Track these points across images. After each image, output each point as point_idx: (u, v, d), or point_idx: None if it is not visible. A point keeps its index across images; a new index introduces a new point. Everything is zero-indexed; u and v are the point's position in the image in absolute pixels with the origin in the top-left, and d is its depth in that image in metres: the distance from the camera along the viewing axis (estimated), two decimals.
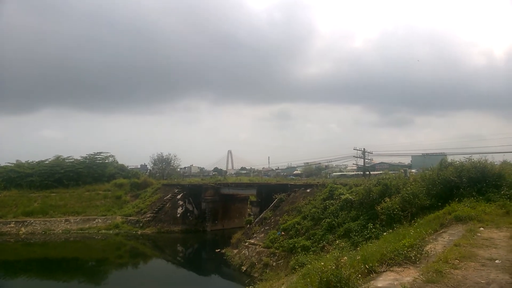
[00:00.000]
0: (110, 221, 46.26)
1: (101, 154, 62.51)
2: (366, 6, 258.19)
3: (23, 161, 60.46)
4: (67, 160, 59.14)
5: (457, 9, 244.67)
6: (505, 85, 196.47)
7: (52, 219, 46.00)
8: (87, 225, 45.63)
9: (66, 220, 45.98)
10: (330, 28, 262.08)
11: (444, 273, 6.41)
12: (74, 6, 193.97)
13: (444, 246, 8.69)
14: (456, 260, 7.25)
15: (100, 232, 44.27)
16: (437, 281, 6.00)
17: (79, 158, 60.02)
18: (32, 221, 45.30)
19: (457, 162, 19.05)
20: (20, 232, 43.56)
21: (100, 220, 46.54)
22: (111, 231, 44.29)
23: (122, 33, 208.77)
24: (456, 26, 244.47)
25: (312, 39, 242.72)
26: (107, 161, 62.37)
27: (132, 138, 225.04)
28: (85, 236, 43.05)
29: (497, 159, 22.87)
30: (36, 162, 59.33)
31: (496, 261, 7.23)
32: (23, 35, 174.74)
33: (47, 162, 58.46)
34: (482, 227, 10.72)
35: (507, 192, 15.05)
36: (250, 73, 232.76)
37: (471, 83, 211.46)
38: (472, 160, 18.18)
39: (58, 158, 59.70)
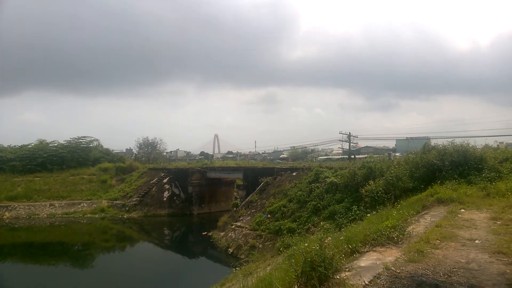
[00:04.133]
0: (95, 205, 46.01)
1: (85, 138, 61.76)
2: None
3: (5, 145, 59.43)
4: (50, 145, 58.16)
5: None
6: (488, 71, 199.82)
7: (36, 203, 45.49)
8: (72, 209, 45.24)
9: (50, 205, 45.52)
10: (315, 12, 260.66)
11: (426, 253, 6.54)
12: None
13: (426, 227, 8.85)
14: (437, 241, 7.40)
15: (85, 216, 43.96)
16: (418, 261, 6.12)
17: (63, 142, 59.18)
18: (16, 205, 44.71)
19: (440, 146, 19.35)
20: (4, 216, 42.92)
21: (85, 204, 46.21)
22: (96, 215, 44.03)
23: (106, 15, 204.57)
24: (441, 13, 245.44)
25: (297, 22, 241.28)
26: (91, 145, 61.64)
27: (117, 122, 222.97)
28: (70, 220, 42.72)
29: (479, 143, 23.35)
30: (19, 146, 58.28)
31: (476, 241, 7.40)
32: (3, 15, 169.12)
33: (30, 146, 57.41)
34: (463, 209, 10.94)
35: (488, 175, 15.38)
36: (236, 57, 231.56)
37: (455, 68, 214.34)
38: (455, 144, 18.53)
39: (41, 142, 58.66)
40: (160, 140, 77.74)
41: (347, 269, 5.81)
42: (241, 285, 8.04)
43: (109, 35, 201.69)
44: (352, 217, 18.49)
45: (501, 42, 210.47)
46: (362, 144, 78.22)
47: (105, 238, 37.67)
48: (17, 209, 44.43)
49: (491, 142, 29.44)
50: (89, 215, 44.24)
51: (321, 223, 20.37)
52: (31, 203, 45.46)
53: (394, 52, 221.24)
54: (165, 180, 48.30)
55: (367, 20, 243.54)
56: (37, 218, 43.24)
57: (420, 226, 9.13)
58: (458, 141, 19.07)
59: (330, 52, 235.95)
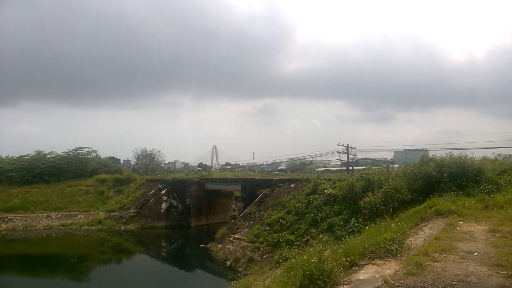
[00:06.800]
0: (92, 217, 45.72)
1: (83, 149, 61.72)
2: (348, 4, 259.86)
3: (3, 156, 59.33)
4: (48, 156, 57.99)
5: (437, 9, 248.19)
6: (484, 83, 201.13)
7: (33, 215, 45.16)
8: (69, 221, 44.96)
9: (47, 216, 45.22)
10: (312, 24, 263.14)
11: (424, 265, 6.51)
12: None
13: (425, 240, 8.83)
14: (436, 253, 7.37)
15: (82, 228, 43.67)
16: (417, 274, 6.09)
17: (60, 153, 59.06)
18: (12, 217, 44.41)
19: (438, 158, 19.35)
20: (0, 228, 42.59)
21: (82, 216, 45.93)
22: (93, 227, 43.76)
23: (102, 26, 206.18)
24: (436, 25, 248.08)
25: (294, 34, 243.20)
26: (89, 156, 61.54)
27: (115, 133, 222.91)
28: (67, 232, 42.42)
29: (477, 155, 23.40)
30: (16, 157, 58.10)
31: (475, 254, 7.38)
32: None
33: (27, 157, 57.22)
34: (462, 221, 10.92)
35: (486, 187, 15.41)
36: (233, 68, 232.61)
37: (451, 80, 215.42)
38: (453, 156, 18.54)
39: (39, 153, 58.52)
40: (158, 151, 77.69)
41: (345, 283, 5.78)
42: None
43: (105, 46, 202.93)
44: (350, 229, 18.42)
45: (496, 54, 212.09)
46: (360, 155, 78.52)
47: (102, 250, 37.36)
48: (14, 220, 44.12)
49: (489, 154, 29.48)
50: (86, 227, 43.94)
51: (320, 235, 20.30)
52: (28, 215, 45.12)
53: (390, 64, 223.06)
54: (163, 192, 48.10)
55: (363, 31, 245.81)
56: (33, 229, 42.91)
57: (418, 238, 9.11)
58: (455, 153, 19.11)
59: (327, 63, 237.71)
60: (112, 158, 71.69)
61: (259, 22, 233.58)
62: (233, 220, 33.90)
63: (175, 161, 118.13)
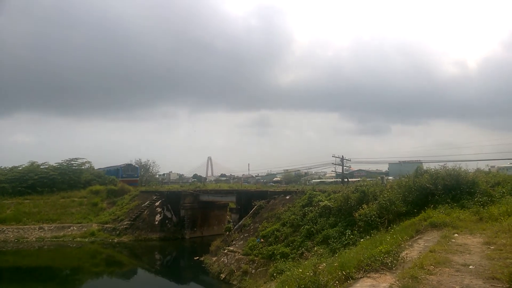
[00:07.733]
0: (85, 229, 45.24)
1: (77, 160, 61.30)
2: (342, 16, 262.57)
3: None
4: (41, 166, 57.62)
5: (429, 20, 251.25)
6: (478, 95, 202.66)
7: (25, 226, 44.63)
8: (62, 233, 44.48)
9: (40, 228, 44.70)
10: (308, 36, 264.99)
11: (420, 278, 6.48)
12: (45, 7, 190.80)
13: (420, 252, 8.80)
14: (431, 266, 7.34)
15: (75, 240, 43.19)
16: (412, 287, 6.06)
17: (54, 164, 58.66)
18: (4, 228, 43.86)
19: (433, 170, 19.44)
20: None
21: (75, 228, 45.43)
22: (86, 239, 43.30)
23: (98, 37, 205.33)
24: (429, 37, 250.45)
25: (289, 46, 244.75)
26: (83, 167, 61.14)
27: (109, 143, 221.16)
28: (60, 244, 41.94)
29: (471, 167, 23.53)
30: (9, 168, 57.61)
31: (470, 267, 7.36)
32: None
33: (20, 168, 56.76)
34: (457, 233, 10.91)
35: (480, 199, 15.44)
36: (228, 80, 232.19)
37: (445, 92, 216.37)
38: (447, 168, 18.65)
39: (32, 164, 58.06)
40: (153, 162, 77.52)
41: None
42: None
43: (101, 57, 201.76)
44: (345, 242, 18.38)
45: (488, 66, 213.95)
46: (355, 167, 78.53)
47: (95, 262, 36.88)
48: (6, 232, 43.58)
49: (483, 166, 29.74)
50: (78, 239, 43.45)
51: (315, 247, 20.21)
52: (20, 226, 44.59)
53: (384, 76, 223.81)
54: (157, 203, 47.76)
55: (358, 45, 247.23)
56: (25, 241, 42.38)
57: (414, 251, 9.08)
58: (450, 165, 19.23)
59: (323, 76, 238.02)
60: (130, 165, 69.67)
61: (254, 34, 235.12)
62: (227, 232, 33.72)
63: (169, 172, 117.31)
